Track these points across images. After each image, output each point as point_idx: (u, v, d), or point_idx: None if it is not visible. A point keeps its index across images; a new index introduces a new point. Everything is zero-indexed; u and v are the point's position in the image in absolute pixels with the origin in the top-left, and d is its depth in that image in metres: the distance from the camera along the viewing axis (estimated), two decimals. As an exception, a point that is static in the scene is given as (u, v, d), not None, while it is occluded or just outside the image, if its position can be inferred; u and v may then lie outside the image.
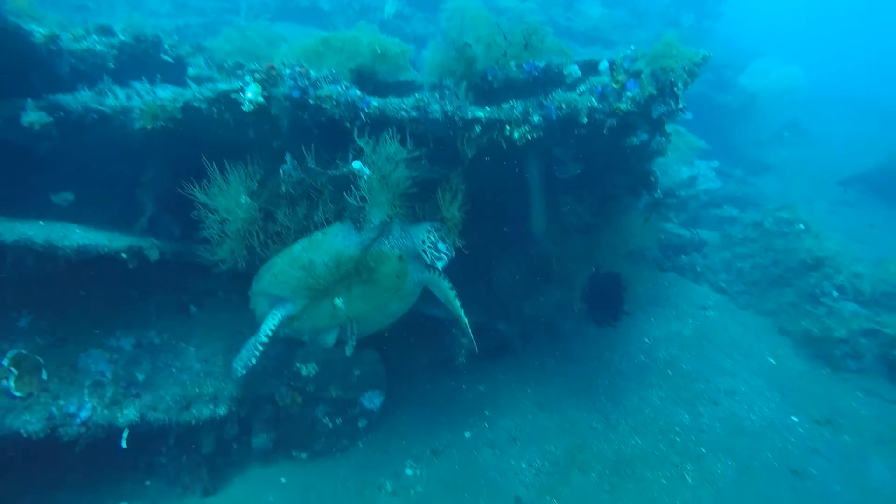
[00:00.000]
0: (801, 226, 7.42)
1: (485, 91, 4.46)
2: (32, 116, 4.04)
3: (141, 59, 5.16)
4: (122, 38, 5.08)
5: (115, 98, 3.99)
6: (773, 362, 6.28)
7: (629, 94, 4.10)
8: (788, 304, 6.98)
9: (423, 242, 4.22)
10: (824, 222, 8.12)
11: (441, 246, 4.21)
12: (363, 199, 3.77)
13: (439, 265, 4.23)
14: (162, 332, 4.95)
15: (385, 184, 3.77)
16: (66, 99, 4.14)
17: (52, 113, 4.14)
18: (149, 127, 3.90)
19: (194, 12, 11.56)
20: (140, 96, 3.99)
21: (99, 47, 4.88)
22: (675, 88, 4.08)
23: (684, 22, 16.26)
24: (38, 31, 4.27)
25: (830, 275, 6.78)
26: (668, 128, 4.72)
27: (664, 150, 4.75)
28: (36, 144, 4.37)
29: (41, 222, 4.17)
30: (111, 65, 4.91)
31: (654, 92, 4.00)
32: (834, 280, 6.72)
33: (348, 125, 3.71)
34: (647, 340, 6.40)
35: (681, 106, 4.07)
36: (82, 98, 4.11)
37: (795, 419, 5.39)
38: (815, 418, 5.42)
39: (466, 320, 4.80)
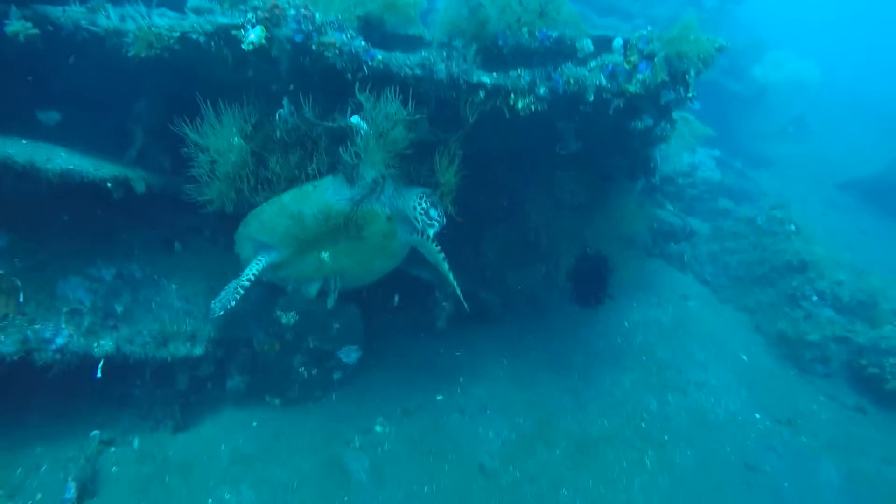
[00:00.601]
0: (793, 227, 7.44)
1: (494, 55, 4.32)
2: (17, 26, 3.86)
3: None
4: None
5: (107, 18, 3.80)
6: (745, 359, 6.40)
7: (640, 76, 4.00)
8: (768, 304, 7.07)
9: (415, 209, 4.17)
10: (816, 224, 8.16)
11: (433, 212, 4.16)
12: (358, 155, 3.68)
13: (430, 232, 4.19)
14: (144, 266, 4.89)
15: (382, 142, 3.68)
16: (55, 11, 3.95)
17: (39, 25, 3.95)
18: (143, 55, 3.75)
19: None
20: (134, 20, 3.80)
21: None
22: (687, 76, 3.98)
23: (706, 3, 15.81)
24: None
25: (813, 279, 6.85)
26: (675, 114, 4.64)
27: (668, 137, 4.68)
28: (20, 56, 4.19)
29: (24, 141, 4.05)
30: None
31: (666, 77, 3.90)
32: (816, 285, 6.79)
33: (350, 77, 3.58)
34: (626, 324, 6.47)
35: (690, 94, 3.99)
36: (73, 13, 3.92)
37: (758, 416, 5.54)
38: (776, 417, 5.56)
39: (456, 283, 4.80)
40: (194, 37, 3.60)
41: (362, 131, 3.63)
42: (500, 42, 4.25)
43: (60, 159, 3.87)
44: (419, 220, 4.22)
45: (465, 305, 4.99)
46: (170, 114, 4.00)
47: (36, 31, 3.96)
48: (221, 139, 3.72)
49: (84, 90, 4.79)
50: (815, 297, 6.72)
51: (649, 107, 4.12)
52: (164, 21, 3.72)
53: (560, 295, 5.99)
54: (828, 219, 11.18)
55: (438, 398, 5.33)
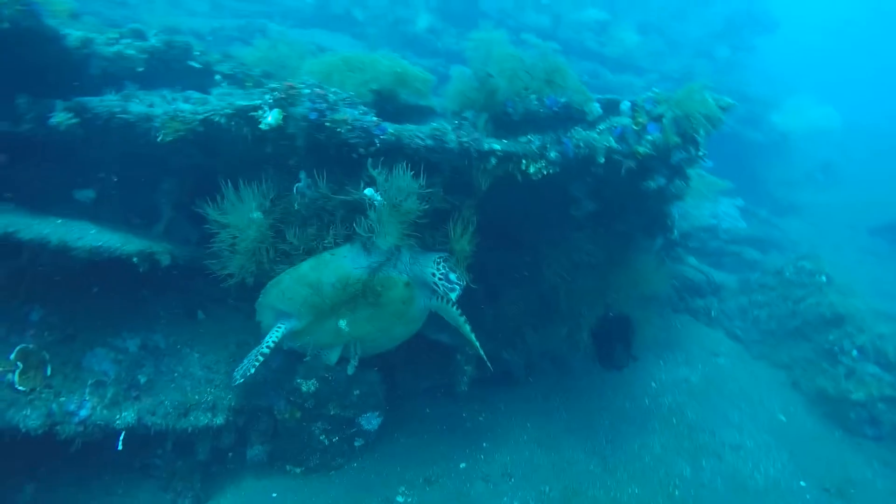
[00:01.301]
0: (823, 278, 7.20)
1: (505, 123, 4.45)
2: (60, 117, 4.16)
3: (169, 64, 5.28)
4: (154, 42, 5.21)
5: (138, 104, 4.06)
6: (783, 419, 6.07)
7: (649, 137, 4.05)
8: (804, 360, 6.75)
9: (434, 274, 4.21)
10: (850, 272, 7.88)
11: (452, 276, 4.19)
12: (372, 228, 3.77)
13: (452, 296, 4.22)
14: (168, 336, 4.99)
15: (396, 213, 3.76)
16: (92, 101, 4.24)
17: (79, 114, 4.24)
18: (169, 139, 3.97)
19: (230, 14, 11.82)
20: (166, 103, 4.05)
21: (130, 51, 5.01)
22: (697, 136, 4.02)
23: (718, 54, 16.09)
24: (73, 35, 4.40)
25: (852, 333, 6.50)
26: (689, 171, 4.65)
27: (683, 194, 4.67)
28: (62, 143, 4.49)
29: (59, 220, 4.26)
30: (140, 69, 5.04)
31: (677, 139, 3.94)
32: (855, 339, 6.44)
33: (362, 151, 3.72)
34: (653, 384, 6.25)
35: (701, 153, 4.01)
36: (108, 102, 4.21)
37: (803, 484, 5.17)
38: (824, 486, 5.17)
39: (479, 343, 4.76)
40: (216, 119, 3.80)
41: (376, 203, 3.72)
42: (510, 109, 4.39)
43: (90, 237, 4.05)
44: (439, 285, 4.25)
45: (489, 365, 4.92)
46: (195, 188, 4.20)
47: (76, 120, 4.25)
48: (241, 216, 3.86)
49: (117, 169, 5.06)
50: (854, 353, 6.39)
51: (661, 167, 4.15)
52: (188, 106, 3.95)
53: (584, 355, 5.86)
54: (864, 267, 10.81)
55: (462, 465, 5.17)
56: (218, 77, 5.41)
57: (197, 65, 5.58)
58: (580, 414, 5.82)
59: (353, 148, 3.71)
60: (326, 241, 3.99)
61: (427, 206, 3.89)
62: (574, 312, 5.26)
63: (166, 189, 4.69)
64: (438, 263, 4.29)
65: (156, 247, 4.44)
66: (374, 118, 3.72)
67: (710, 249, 9.63)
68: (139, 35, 5.29)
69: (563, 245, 4.92)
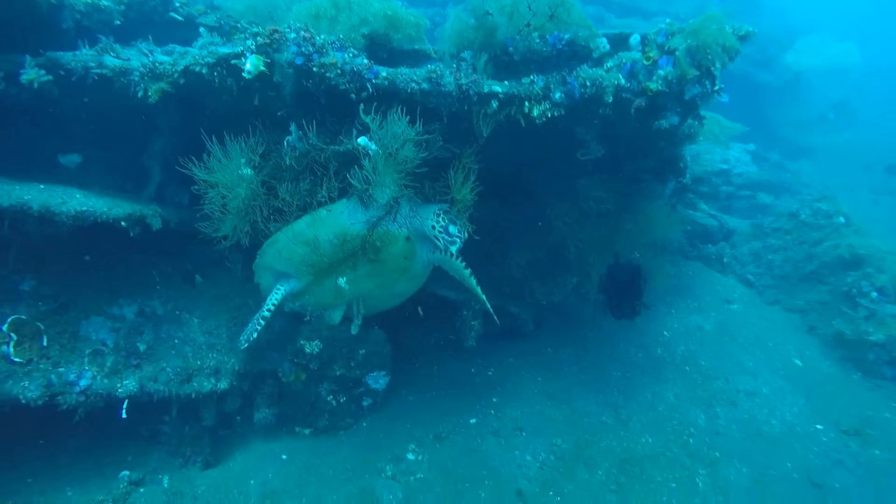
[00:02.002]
0: (841, 219, 6.95)
1: (505, 63, 4.17)
2: (31, 74, 3.90)
3: (149, 17, 4.99)
4: (130, -10, 4.89)
5: (114, 58, 3.80)
6: (799, 364, 5.95)
7: (661, 72, 3.77)
8: (820, 303, 6.57)
9: (434, 228, 4.02)
10: (867, 214, 7.62)
11: (452, 229, 4.00)
12: (367, 179, 3.55)
13: (453, 249, 4.03)
14: (166, 302, 4.87)
15: (392, 162, 3.55)
16: (65, 56, 3.97)
17: (52, 71, 3.99)
18: (151, 96, 3.72)
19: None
20: (143, 56, 3.79)
21: (105, 2, 4.72)
22: (713, 69, 3.73)
23: (732, -8, 15.31)
24: (39, -16, 4.09)
25: (871, 274, 6.29)
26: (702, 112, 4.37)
27: (696, 134, 4.40)
28: (38, 104, 4.25)
29: (41, 185, 4.07)
30: (118, 21, 4.76)
31: (693, 71, 3.65)
32: (874, 280, 6.23)
33: (354, 97, 3.47)
34: (665, 333, 6.12)
35: (717, 87, 3.73)
36: (82, 57, 3.94)
37: (820, 427, 5.08)
38: (842, 428, 5.07)
39: (485, 297, 4.63)
40: (197, 69, 3.55)
41: (370, 152, 3.49)
42: (511, 49, 4.10)
43: (75, 201, 3.87)
44: (440, 238, 4.07)
45: (496, 319, 4.79)
46: (185, 148, 3.97)
47: (49, 77, 4.00)
48: (230, 174, 3.65)
49: (102, 129, 4.82)
50: (874, 294, 6.18)
51: (673, 104, 3.88)
52: (167, 58, 3.69)
53: (593, 307, 5.71)
54: (879, 207, 10.51)
55: (472, 421, 5.11)
56: (203, 30, 5.10)
57: (179, 17, 5.28)
58: (591, 366, 5.72)
59: (344, 94, 3.46)
60: (320, 196, 3.79)
61: (425, 155, 3.67)
62: (583, 262, 5.08)
63: (154, 149, 4.47)
64: (438, 215, 4.09)
65: (146, 210, 4.27)
66: (366, 61, 3.46)
67: (722, 194, 9.36)
68: (116, -17, 4.95)
69: (570, 193, 4.70)
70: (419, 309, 5.48)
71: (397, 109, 3.44)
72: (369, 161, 3.53)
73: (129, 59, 3.81)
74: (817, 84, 15.21)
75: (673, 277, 6.68)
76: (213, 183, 3.69)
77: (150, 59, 3.69)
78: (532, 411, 5.19)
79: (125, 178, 5.07)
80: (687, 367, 5.67)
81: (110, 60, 3.83)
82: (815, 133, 14.86)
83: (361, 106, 3.43)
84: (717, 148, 9.52)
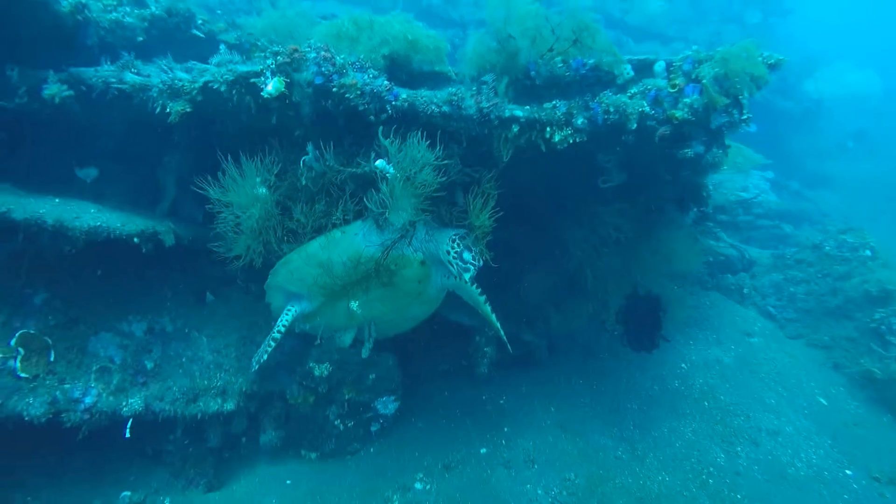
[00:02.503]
0: (868, 252, 6.75)
1: (527, 88, 4.10)
2: (53, 89, 3.93)
3: (171, 34, 5.01)
4: (154, 10, 4.93)
5: (135, 74, 3.80)
6: (825, 402, 5.72)
7: (686, 100, 3.68)
8: (846, 339, 6.35)
9: (448, 253, 3.93)
10: (891, 246, 7.39)
11: (467, 256, 3.91)
12: (384, 203, 3.48)
13: (466, 277, 3.94)
14: (175, 319, 4.81)
15: (409, 186, 3.47)
16: (87, 72, 3.99)
17: (74, 86, 4.00)
18: (171, 113, 3.70)
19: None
20: (163, 73, 3.78)
21: (129, 19, 4.75)
22: (741, 97, 3.63)
23: (749, 19, 15.28)
24: (65, 0, 4.12)
25: (901, 311, 6.10)
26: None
27: (720, 163, 4.29)
28: (58, 118, 4.26)
29: (56, 199, 4.05)
30: (140, 38, 4.78)
31: (723, 99, 3.56)
32: (905, 317, 6.04)
33: (373, 118, 3.42)
34: (683, 365, 5.93)
35: (745, 117, 3.62)
36: (103, 72, 3.95)
37: (850, 472, 4.84)
38: (873, 474, 4.83)
39: (499, 325, 4.54)
40: (215, 86, 3.52)
41: (388, 176, 3.43)
42: (533, 73, 4.03)
43: (89, 216, 3.85)
44: (454, 263, 3.99)
45: (509, 348, 4.67)
46: (201, 164, 3.94)
47: (71, 92, 4.02)
48: (244, 193, 3.60)
49: (120, 144, 4.83)
50: (905, 332, 5.96)
51: (699, 133, 3.78)
52: (186, 75, 3.67)
53: (609, 336, 5.57)
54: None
55: (482, 451, 4.96)
56: (222, 47, 5.12)
57: (200, 34, 5.31)
58: (606, 397, 5.55)
59: (363, 115, 3.41)
60: (335, 218, 3.72)
61: (444, 179, 3.59)
62: (600, 291, 4.95)
63: (169, 165, 4.44)
64: (454, 241, 4.01)
65: (159, 226, 4.22)
66: (386, 82, 3.41)
67: (741, 223, 9.18)
68: (138, 2, 5.00)
69: (589, 220, 4.59)
70: (432, 334, 5.39)
71: (417, 133, 3.37)
72: (386, 185, 3.45)
73: (149, 76, 3.80)
74: (837, 112, 15.05)
75: (691, 308, 6.52)
76: (227, 202, 3.63)
77: (170, 75, 3.67)
78: (544, 443, 5.03)
79: (140, 193, 5.04)
80: (706, 402, 5.48)
81: (130, 77, 3.84)
82: (834, 162, 14.67)
83: (380, 129, 3.37)
84: (737, 176, 9.38)
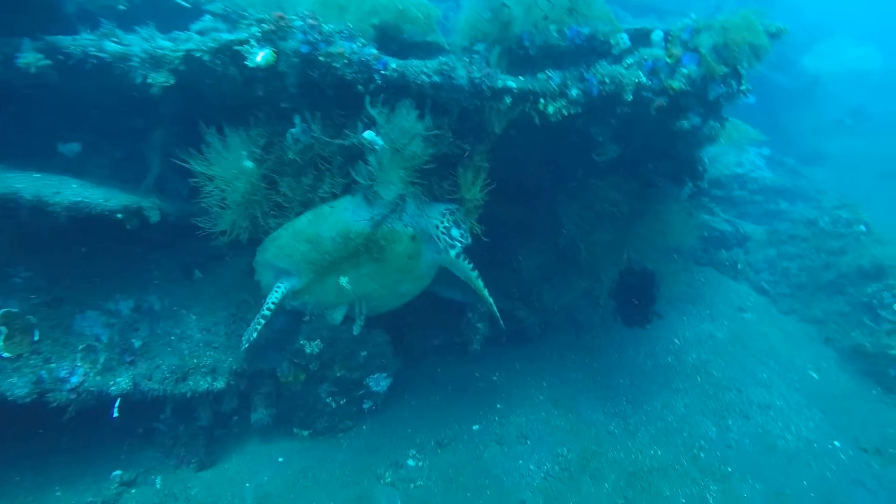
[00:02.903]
0: (862, 227, 6.74)
1: (520, 58, 3.99)
2: (29, 58, 3.75)
3: (156, 3, 4.81)
4: (138, -24, 4.73)
5: (114, 43, 3.64)
6: (816, 376, 5.75)
7: (684, 70, 3.59)
8: (838, 314, 6.36)
9: (437, 227, 3.87)
10: (887, 223, 7.37)
11: (455, 232, 3.84)
12: (372, 175, 3.39)
13: (452, 253, 3.88)
14: (163, 297, 4.73)
15: (399, 158, 3.38)
16: (65, 41, 3.81)
17: (51, 55, 3.84)
18: (153, 86, 3.57)
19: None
20: (144, 41, 3.63)
21: (108, -15, 4.54)
22: (739, 67, 3.54)
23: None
24: (39, -36, 3.94)
25: (893, 286, 6.09)
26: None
27: (717, 136, 4.22)
28: (37, 89, 4.11)
29: (36, 174, 3.93)
30: (122, 7, 4.59)
31: (723, 68, 3.46)
32: (896, 291, 6.04)
33: (362, 88, 3.30)
34: (676, 341, 5.93)
35: (743, 88, 3.54)
36: (82, 41, 3.78)
37: (837, 444, 4.89)
38: (861, 445, 4.89)
39: (492, 300, 4.50)
40: (198, 55, 3.39)
41: (377, 147, 3.33)
42: (527, 42, 3.91)
43: (70, 191, 3.73)
44: (441, 238, 3.93)
45: (502, 323, 4.63)
46: (186, 138, 3.82)
47: (48, 62, 3.85)
48: (229, 166, 3.49)
49: (102, 117, 4.68)
50: (896, 306, 5.98)
51: (696, 104, 3.70)
52: (168, 43, 3.53)
53: (602, 312, 5.55)
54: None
55: (475, 428, 4.96)
56: (207, 17, 4.93)
57: (186, 4, 5.10)
58: (599, 373, 5.55)
59: (351, 85, 3.29)
60: (321, 192, 3.62)
61: (434, 151, 3.50)
62: (594, 266, 4.90)
63: (155, 140, 4.31)
64: (444, 215, 3.94)
65: (144, 202, 4.11)
66: (375, 51, 3.29)
67: (735, 199, 9.14)
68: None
69: (582, 193, 4.52)
70: (424, 311, 5.34)
71: (406, 103, 3.26)
72: (375, 156, 3.36)
73: (129, 45, 3.65)
74: (835, 89, 14.89)
75: (685, 284, 6.50)
76: (212, 175, 3.52)
77: (151, 44, 3.53)
78: (537, 419, 5.03)
79: (125, 168, 4.91)
80: (698, 377, 5.49)
81: (110, 45, 3.68)
82: (831, 139, 14.55)
83: (368, 98, 3.25)
84: (732, 151, 9.31)
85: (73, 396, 3.89)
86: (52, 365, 3.91)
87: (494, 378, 5.51)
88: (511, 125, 3.85)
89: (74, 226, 3.93)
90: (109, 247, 4.58)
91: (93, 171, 4.72)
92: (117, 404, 4.07)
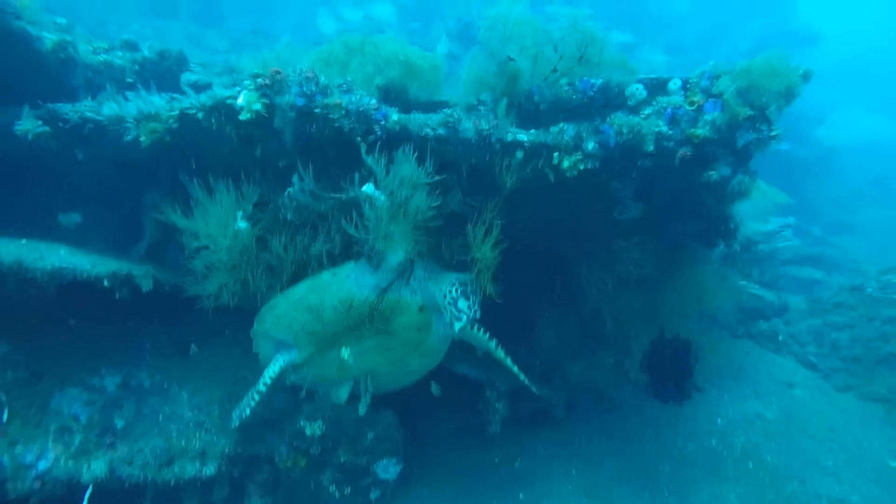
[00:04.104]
0: (917, 293, 6.17)
1: (530, 113, 3.81)
2: (27, 125, 3.70)
3: (164, 77, 4.85)
4: (146, 53, 4.80)
5: (111, 106, 3.57)
6: (894, 465, 4.98)
7: (707, 117, 3.34)
8: (908, 391, 5.66)
9: (445, 297, 3.54)
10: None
11: (462, 304, 3.51)
12: (366, 227, 3.11)
13: (456, 326, 3.52)
14: (154, 374, 4.39)
15: (402, 213, 3.10)
16: (64, 108, 3.78)
17: (51, 123, 3.78)
18: (143, 139, 3.44)
19: (249, 48, 11.69)
20: (140, 101, 3.54)
21: (118, 61, 4.61)
22: (767, 111, 3.28)
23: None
24: (48, 38, 3.98)
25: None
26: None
27: (748, 190, 3.89)
28: (36, 159, 4.04)
29: (23, 241, 3.75)
30: (130, 79, 4.61)
31: (746, 111, 3.21)
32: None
33: (360, 140, 3.10)
34: (719, 421, 5.29)
35: (774, 133, 3.25)
36: (81, 107, 3.73)
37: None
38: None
39: (517, 368, 4.08)
40: (192, 112, 3.26)
41: (379, 202, 3.07)
42: (537, 97, 3.75)
43: (55, 257, 3.52)
44: (447, 310, 3.58)
45: (534, 389, 4.14)
46: (187, 204, 3.64)
47: (46, 129, 3.79)
48: (218, 225, 3.25)
49: (101, 187, 4.58)
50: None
51: (724, 153, 3.41)
52: (162, 102, 3.44)
53: (634, 389, 5.00)
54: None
55: (495, 521, 4.34)
56: (190, 76, 4.94)
57: (194, 77, 5.16)
58: (634, 459, 4.91)
59: (350, 137, 3.10)
60: (313, 249, 3.33)
61: (440, 203, 3.23)
62: (621, 337, 4.44)
63: (148, 203, 4.14)
64: (454, 285, 3.61)
65: (135, 269, 3.88)
66: (374, 101, 3.12)
67: (765, 268, 8.63)
68: (131, 47, 4.90)
69: (605, 257, 4.16)
70: (437, 389, 4.89)
71: (406, 148, 3.03)
72: (375, 213, 3.09)
73: (125, 107, 3.57)
74: (852, 159, 14.75)
75: (723, 356, 5.93)
76: (198, 234, 3.29)
77: (147, 102, 3.43)
78: (566, 513, 4.39)
79: (128, 239, 4.76)
80: (749, 463, 4.80)
81: (108, 108, 3.61)
82: (856, 209, 14.23)
83: (364, 146, 3.04)
84: (756, 223, 8.94)
85: (37, 485, 3.47)
86: (19, 449, 3.52)
87: (516, 465, 4.91)
88: (525, 185, 3.60)
89: (63, 296, 3.71)
90: (101, 319, 4.32)
91: (94, 242, 4.56)
92: (88, 493, 3.62)
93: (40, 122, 3.73)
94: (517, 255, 3.97)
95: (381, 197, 3.04)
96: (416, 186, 3.05)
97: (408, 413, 4.77)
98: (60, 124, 3.79)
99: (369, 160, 2.99)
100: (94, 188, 4.56)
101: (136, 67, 4.72)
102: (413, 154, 3.05)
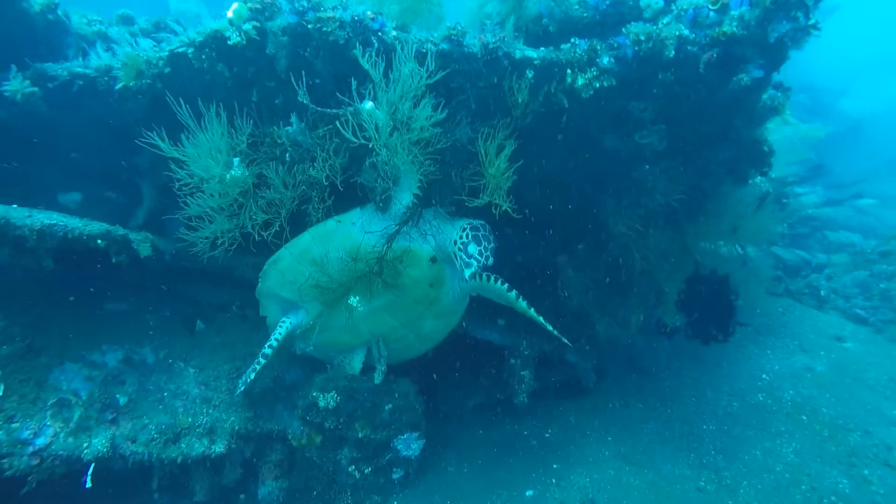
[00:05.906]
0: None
1: (539, 36, 3.56)
2: (14, 84, 3.53)
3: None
4: (142, 24, 4.68)
5: (98, 58, 3.40)
6: (964, 410, 4.54)
7: (734, 13, 3.04)
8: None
9: (455, 243, 3.27)
10: None
11: (472, 249, 3.20)
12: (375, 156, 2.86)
13: (466, 273, 3.21)
14: (158, 349, 4.16)
15: (406, 131, 2.85)
16: (53, 67, 3.61)
17: (39, 83, 3.62)
18: (132, 85, 3.26)
19: None
20: (128, 46, 3.37)
21: (112, 32, 4.47)
22: (803, -4, 2.96)
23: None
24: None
25: None
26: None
27: (781, 107, 3.59)
28: (28, 127, 3.88)
29: (14, 205, 3.57)
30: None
31: (772, 4, 2.91)
32: None
33: (357, 52, 2.85)
34: (764, 377, 4.88)
35: (812, 21, 2.94)
36: (68, 64, 3.57)
37: None
38: None
39: (542, 319, 3.73)
40: (182, 50, 3.07)
41: (379, 123, 2.82)
42: (546, 20, 3.49)
43: (42, 215, 3.32)
44: (458, 256, 3.27)
45: (566, 341, 3.78)
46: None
47: (34, 89, 3.62)
48: (213, 163, 3.03)
49: (102, 164, 4.41)
50: None
51: (754, 53, 3.10)
52: (151, 43, 3.26)
53: (668, 352, 4.64)
54: None
55: (528, 493, 4.02)
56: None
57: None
58: (674, 420, 4.54)
59: (346, 51, 2.86)
60: (313, 172, 3.08)
61: (443, 117, 2.97)
62: (652, 279, 4.08)
63: (143, 165, 3.95)
64: (465, 230, 3.32)
65: (132, 233, 3.67)
66: (370, 10, 2.88)
67: (795, 229, 8.16)
68: (126, 20, 4.80)
69: (629, 190, 3.84)
70: (456, 357, 4.58)
71: (407, 50, 2.78)
72: (375, 128, 2.84)
73: (113, 55, 3.39)
74: (883, 128, 14.17)
75: (761, 315, 5.54)
76: (191, 173, 3.07)
77: (134, 48, 3.26)
78: (604, 478, 4.03)
79: (129, 218, 4.58)
80: (803, 417, 4.39)
81: (95, 60, 3.44)
82: (886, 181, 13.62)
83: (358, 50, 2.78)
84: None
85: (34, 462, 3.22)
86: (15, 424, 3.29)
87: (547, 434, 4.58)
88: (537, 118, 3.33)
89: (62, 269, 3.51)
90: (102, 295, 4.12)
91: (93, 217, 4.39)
92: (90, 471, 3.37)
93: (28, 83, 3.57)
94: (531, 197, 3.71)
95: (381, 116, 2.79)
96: (419, 95, 2.79)
97: (428, 385, 4.49)
98: (49, 84, 3.63)
99: (367, 65, 2.75)
100: (94, 165, 4.39)
101: (131, 39, 4.58)
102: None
